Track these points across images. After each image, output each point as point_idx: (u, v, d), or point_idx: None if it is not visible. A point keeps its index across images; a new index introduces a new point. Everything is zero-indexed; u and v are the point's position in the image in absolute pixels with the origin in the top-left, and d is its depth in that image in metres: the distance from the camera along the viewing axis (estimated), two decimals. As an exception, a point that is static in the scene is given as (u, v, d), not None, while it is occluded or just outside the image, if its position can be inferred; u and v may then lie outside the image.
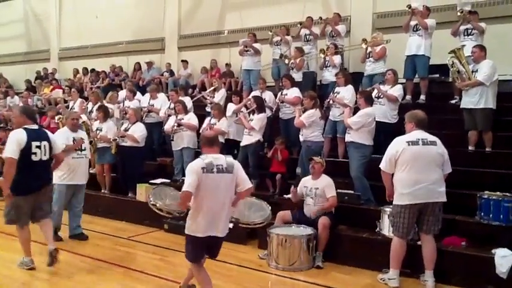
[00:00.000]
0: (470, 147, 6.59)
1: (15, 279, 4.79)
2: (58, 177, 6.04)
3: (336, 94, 7.17)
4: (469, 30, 7.56)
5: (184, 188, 3.78)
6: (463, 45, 6.95)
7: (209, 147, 4.03)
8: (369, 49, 8.16)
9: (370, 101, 6.22)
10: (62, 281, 4.79)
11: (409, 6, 7.87)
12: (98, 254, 5.67)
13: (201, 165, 3.82)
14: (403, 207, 4.54)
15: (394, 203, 4.68)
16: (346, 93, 7.10)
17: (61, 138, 6.04)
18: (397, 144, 4.61)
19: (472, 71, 6.46)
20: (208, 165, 3.82)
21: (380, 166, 4.74)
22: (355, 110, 6.39)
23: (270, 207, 5.16)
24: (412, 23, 7.97)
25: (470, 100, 6.42)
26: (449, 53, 6.75)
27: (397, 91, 6.90)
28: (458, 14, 7.59)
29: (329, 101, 7.18)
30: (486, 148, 6.50)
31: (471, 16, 7.52)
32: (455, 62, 6.59)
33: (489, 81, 6.27)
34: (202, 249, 3.99)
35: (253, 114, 7.31)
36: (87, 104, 9.50)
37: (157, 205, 4.67)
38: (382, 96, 6.87)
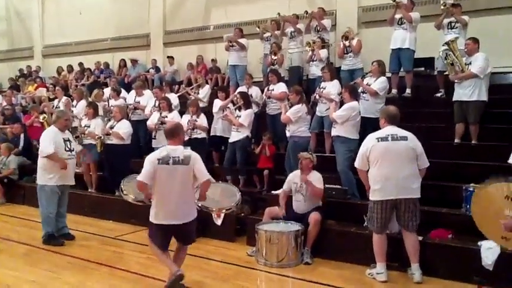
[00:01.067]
0: (456, 140, 6.63)
1: (0, 282, 4.72)
2: (48, 178, 5.94)
3: (322, 89, 7.16)
4: (453, 24, 7.60)
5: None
6: (457, 37, 6.92)
7: (170, 139, 4.22)
8: (347, 44, 8.17)
9: (354, 95, 6.22)
10: (49, 282, 4.72)
11: None
12: (85, 254, 5.61)
13: (157, 156, 4.08)
14: (375, 203, 4.62)
15: (369, 198, 4.74)
16: (332, 88, 7.09)
17: (50, 138, 5.95)
18: (368, 141, 4.70)
19: (466, 64, 6.49)
20: (165, 157, 4.07)
21: (355, 164, 4.86)
22: (341, 104, 6.40)
23: (239, 192, 5.35)
24: (397, 16, 7.99)
25: (464, 92, 6.45)
26: (443, 45, 6.80)
27: (378, 84, 6.71)
28: (442, 7, 7.63)
29: (315, 96, 7.18)
30: (472, 141, 6.54)
31: (454, 9, 7.56)
32: (449, 54, 6.59)
33: (483, 74, 6.32)
34: (164, 236, 4.21)
35: (239, 110, 7.28)
36: (72, 102, 9.38)
37: (130, 195, 4.93)
38: (366, 91, 6.82)
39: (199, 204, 4.59)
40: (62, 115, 6.31)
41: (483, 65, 6.32)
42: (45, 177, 5.95)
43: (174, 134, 4.25)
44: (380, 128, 4.84)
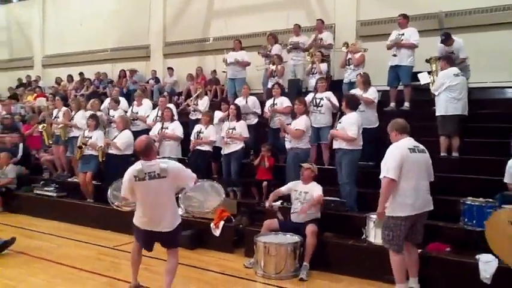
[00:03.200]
0: (454, 154, 6.67)
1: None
2: None
3: (319, 99, 7.19)
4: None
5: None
6: (439, 57, 7.24)
7: (144, 155, 4.25)
8: (349, 55, 8.26)
9: (351, 105, 6.16)
10: (46, 292, 4.73)
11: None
12: (83, 263, 5.59)
13: (134, 173, 4.19)
14: (403, 219, 4.32)
15: (391, 214, 4.37)
16: (330, 97, 7.16)
17: None
18: (401, 150, 4.37)
19: None
20: (140, 173, 4.16)
21: (388, 176, 4.28)
22: (341, 115, 6.38)
23: (223, 190, 6.03)
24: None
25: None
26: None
27: (372, 93, 6.93)
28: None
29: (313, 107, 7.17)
30: (453, 153, 6.66)
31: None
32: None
33: (437, 91, 6.64)
34: (145, 239, 4.37)
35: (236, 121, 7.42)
36: (72, 113, 9.34)
37: (116, 203, 5.33)
38: (360, 102, 6.67)
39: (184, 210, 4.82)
40: None
41: (437, 83, 6.69)
42: None
43: (145, 152, 4.24)
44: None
